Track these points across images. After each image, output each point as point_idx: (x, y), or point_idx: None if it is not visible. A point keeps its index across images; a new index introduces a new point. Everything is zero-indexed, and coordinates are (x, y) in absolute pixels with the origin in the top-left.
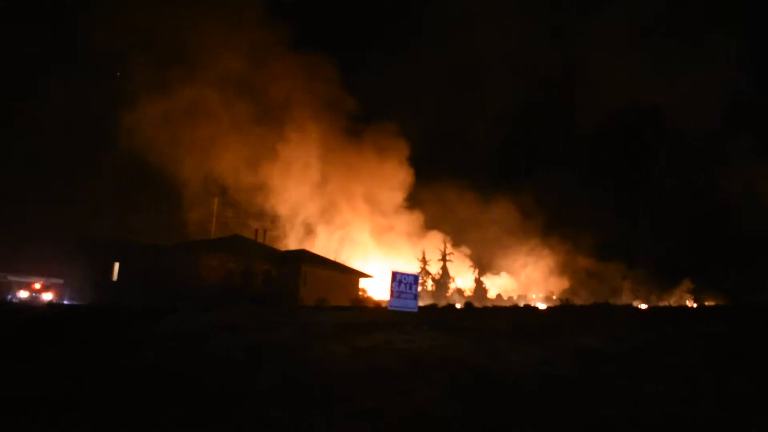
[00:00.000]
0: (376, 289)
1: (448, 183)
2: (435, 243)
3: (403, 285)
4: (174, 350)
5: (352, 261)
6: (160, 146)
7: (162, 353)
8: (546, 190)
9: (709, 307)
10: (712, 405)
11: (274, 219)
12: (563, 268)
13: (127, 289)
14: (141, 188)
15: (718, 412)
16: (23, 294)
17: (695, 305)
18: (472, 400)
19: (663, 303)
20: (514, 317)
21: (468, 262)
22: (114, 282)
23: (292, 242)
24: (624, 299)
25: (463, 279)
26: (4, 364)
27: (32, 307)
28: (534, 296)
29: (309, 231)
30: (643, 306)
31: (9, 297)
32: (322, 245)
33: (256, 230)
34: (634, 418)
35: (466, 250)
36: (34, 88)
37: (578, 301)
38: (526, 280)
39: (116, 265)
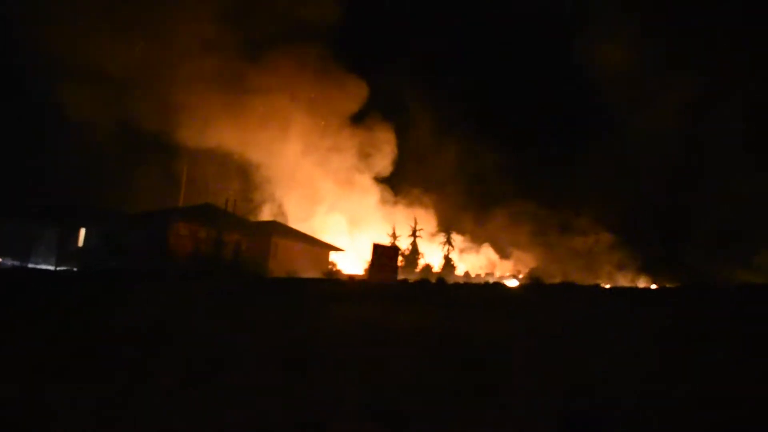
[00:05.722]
0: (345, 263)
1: None
2: (405, 217)
3: (384, 258)
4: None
5: (321, 233)
6: (127, 108)
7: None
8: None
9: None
10: None
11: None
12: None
13: (93, 254)
14: (109, 153)
15: None
16: None
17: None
18: (447, 367)
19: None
20: (486, 293)
21: (438, 239)
22: (79, 247)
23: (263, 213)
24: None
25: (431, 255)
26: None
27: None
28: (499, 274)
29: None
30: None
31: None
32: (292, 215)
33: (227, 200)
34: None
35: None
36: None
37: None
38: (493, 257)
39: (82, 231)
